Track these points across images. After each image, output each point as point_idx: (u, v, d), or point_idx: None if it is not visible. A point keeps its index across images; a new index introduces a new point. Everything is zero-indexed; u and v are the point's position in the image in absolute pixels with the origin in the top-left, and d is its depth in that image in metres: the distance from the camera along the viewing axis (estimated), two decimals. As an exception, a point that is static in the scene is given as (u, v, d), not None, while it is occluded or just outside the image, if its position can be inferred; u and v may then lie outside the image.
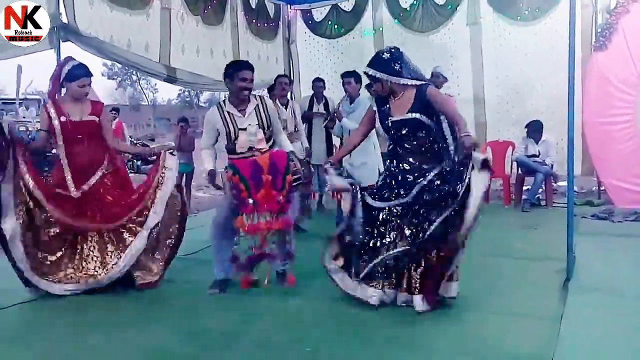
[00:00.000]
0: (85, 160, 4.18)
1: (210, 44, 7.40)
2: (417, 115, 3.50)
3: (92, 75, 4.21)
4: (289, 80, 6.19)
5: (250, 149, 4.02)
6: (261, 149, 4.04)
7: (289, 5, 9.17)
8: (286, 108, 6.01)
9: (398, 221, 3.53)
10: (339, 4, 8.95)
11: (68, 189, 4.13)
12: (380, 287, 3.55)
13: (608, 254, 4.95)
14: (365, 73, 3.70)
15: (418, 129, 3.53)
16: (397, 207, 3.53)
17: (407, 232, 3.49)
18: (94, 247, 4.25)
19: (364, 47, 8.68)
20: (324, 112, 6.60)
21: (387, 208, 3.55)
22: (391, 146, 3.70)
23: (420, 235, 3.43)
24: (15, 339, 3.42)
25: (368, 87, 6.09)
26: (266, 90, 7.08)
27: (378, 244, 3.56)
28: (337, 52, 8.96)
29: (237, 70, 4.04)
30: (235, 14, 7.92)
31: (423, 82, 3.58)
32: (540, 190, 7.51)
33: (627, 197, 6.96)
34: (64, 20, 5.25)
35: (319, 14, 9.19)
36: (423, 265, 3.48)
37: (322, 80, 7.00)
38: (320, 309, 3.73)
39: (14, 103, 15.83)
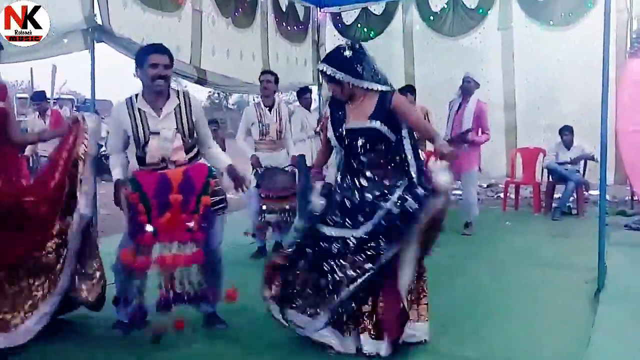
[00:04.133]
0: None
1: (240, 46, 7.45)
2: (377, 125, 2.96)
3: (2, 48, 3.17)
4: (275, 78, 5.33)
5: (164, 160, 3.13)
6: (177, 161, 3.14)
7: (318, 8, 9.19)
8: (270, 110, 5.20)
9: (351, 254, 2.92)
10: (369, 7, 8.94)
11: None
12: (341, 332, 3.00)
13: (641, 265, 4.83)
14: (321, 71, 3.07)
15: (377, 141, 3.00)
16: (352, 239, 2.92)
17: (361, 265, 2.90)
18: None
19: (394, 50, 8.66)
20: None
21: (340, 239, 2.94)
22: (344, 159, 3.10)
23: (372, 268, 2.89)
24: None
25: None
26: (295, 94, 7.09)
27: (330, 281, 2.94)
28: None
29: (145, 55, 3.11)
30: (265, 17, 7.96)
31: (389, 89, 3.07)
32: (572, 198, 7.38)
33: (662, 208, 6.79)
34: (99, 21, 5.35)
35: (348, 17, 9.17)
36: (378, 304, 2.96)
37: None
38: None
39: (49, 102, 16.34)
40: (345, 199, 3.02)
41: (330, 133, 3.12)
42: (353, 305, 2.93)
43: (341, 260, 2.92)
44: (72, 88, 21.62)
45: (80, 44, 5.26)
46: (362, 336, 2.95)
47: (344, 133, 3.04)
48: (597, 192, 5.57)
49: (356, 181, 3.02)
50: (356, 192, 3.00)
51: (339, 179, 3.12)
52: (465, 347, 3.09)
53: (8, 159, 3.29)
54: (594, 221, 4.32)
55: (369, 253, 2.89)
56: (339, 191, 3.08)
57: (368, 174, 3.01)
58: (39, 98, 8.04)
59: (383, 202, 2.91)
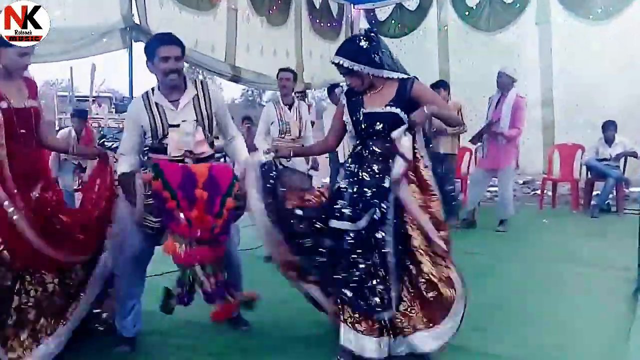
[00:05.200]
0: (29, 165, 2.85)
1: (273, 43, 7.52)
2: (397, 110, 2.86)
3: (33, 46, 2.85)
4: (293, 75, 5.19)
5: (187, 154, 2.97)
6: (201, 154, 3.00)
7: (352, 5, 9.19)
8: (290, 109, 5.04)
9: (354, 246, 2.82)
10: (403, 3, 8.89)
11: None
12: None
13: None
14: (337, 64, 2.96)
15: (394, 127, 2.83)
16: (349, 234, 2.82)
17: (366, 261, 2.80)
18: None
19: (428, 46, 8.60)
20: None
21: (343, 232, 2.84)
22: (357, 147, 2.98)
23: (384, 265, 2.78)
24: None
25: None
26: (326, 91, 7.10)
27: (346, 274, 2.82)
28: (401, 52, 8.87)
29: (154, 47, 2.91)
30: (299, 14, 8.01)
31: (408, 76, 2.94)
32: (611, 195, 7.22)
33: None
34: (136, 21, 5.47)
35: (382, 13, 9.16)
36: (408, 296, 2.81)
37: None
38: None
39: (87, 100, 16.86)
40: (347, 189, 2.90)
41: (346, 118, 3.00)
42: (362, 304, 2.77)
43: (350, 253, 2.82)
44: (110, 86, 22.15)
45: (118, 43, 5.40)
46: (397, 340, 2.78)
47: (361, 117, 2.93)
48: (637, 189, 5.45)
49: (360, 173, 2.91)
50: (356, 184, 2.89)
51: (348, 166, 2.99)
52: (500, 346, 3.06)
53: (46, 163, 3.17)
54: (634, 219, 4.23)
55: (370, 246, 2.80)
56: (345, 179, 2.95)
57: (375, 167, 2.89)
58: (81, 115, 7.44)
59: (376, 201, 2.81)
